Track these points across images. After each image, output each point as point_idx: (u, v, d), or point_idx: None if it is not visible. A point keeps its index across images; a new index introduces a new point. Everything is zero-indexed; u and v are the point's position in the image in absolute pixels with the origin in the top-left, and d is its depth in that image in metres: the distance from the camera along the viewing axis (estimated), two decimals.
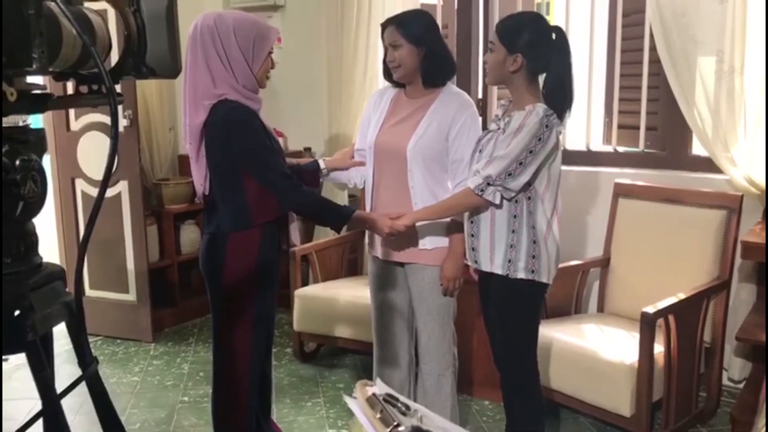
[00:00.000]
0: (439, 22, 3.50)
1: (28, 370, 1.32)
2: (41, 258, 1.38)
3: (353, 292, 3.42)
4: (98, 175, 3.85)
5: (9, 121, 1.28)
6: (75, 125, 3.94)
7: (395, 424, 1.08)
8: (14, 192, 1.24)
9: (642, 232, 3.11)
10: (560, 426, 2.94)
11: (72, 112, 3.91)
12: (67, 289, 1.45)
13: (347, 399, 1.17)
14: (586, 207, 3.50)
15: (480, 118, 2.58)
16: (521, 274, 2.17)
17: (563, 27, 2.29)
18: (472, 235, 2.25)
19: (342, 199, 3.86)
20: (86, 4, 1.37)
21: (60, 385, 1.39)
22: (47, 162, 3.90)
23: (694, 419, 2.87)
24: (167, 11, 1.40)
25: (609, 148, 3.67)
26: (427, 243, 2.38)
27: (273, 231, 2.21)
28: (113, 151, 1.23)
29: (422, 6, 3.85)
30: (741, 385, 3.11)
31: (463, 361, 2.87)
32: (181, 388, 3.40)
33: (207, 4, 4.32)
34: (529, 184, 2.13)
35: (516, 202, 2.15)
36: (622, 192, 3.24)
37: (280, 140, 3.84)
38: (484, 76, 2.45)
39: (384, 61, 2.39)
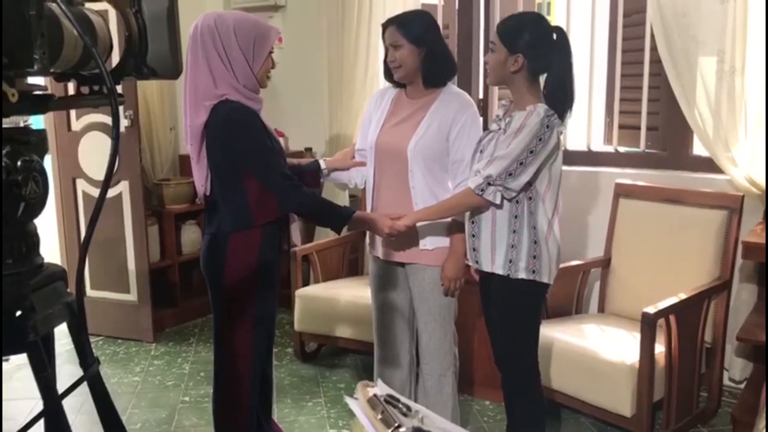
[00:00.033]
0: (439, 22, 3.50)
1: (29, 370, 1.32)
2: (42, 258, 1.39)
3: (354, 292, 3.42)
4: (99, 175, 3.85)
5: (10, 121, 1.28)
6: (76, 125, 3.95)
7: (396, 425, 1.08)
8: (16, 193, 1.25)
9: (643, 233, 3.11)
10: (561, 426, 2.94)
11: (73, 112, 3.92)
12: (69, 290, 1.45)
13: (348, 400, 1.17)
14: (587, 207, 3.50)
15: (481, 119, 2.58)
16: (522, 275, 2.17)
17: (564, 27, 2.29)
18: (473, 236, 2.25)
19: (343, 199, 3.86)
20: (87, 5, 1.37)
21: (61, 386, 1.39)
22: (48, 162, 3.90)
23: (695, 419, 2.87)
24: (168, 12, 1.40)
25: (610, 148, 3.67)
26: (428, 243, 2.38)
27: (274, 231, 2.22)
28: (114, 152, 1.23)
29: (423, 6, 3.85)
30: (742, 386, 3.11)
31: (464, 361, 2.87)
32: (182, 388, 3.40)
33: (208, 4, 4.33)
34: (530, 184, 2.13)
35: (517, 202, 2.15)
36: (623, 192, 3.24)
37: (281, 140, 3.85)
38: (485, 76, 2.45)
39: (385, 62, 2.39)
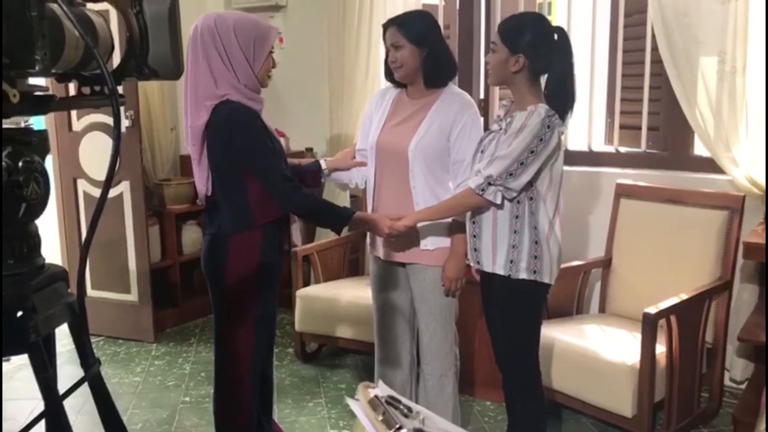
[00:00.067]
0: (440, 22, 3.50)
1: (30, 371, 1.32)
2: (44, 259, 1.39)
3: (355, 293, 3.42)
4: (100, 175, 3.86)
5: (11, 122, 1.28)
6: (77, 126, 3.95)
7: (397, 426, 1.08)
8: (17, 194, 1.25)
9: (644, 233, 3.11)
10: (562, 426, 2.94)
11: (74, 112, 3.92)
12: (70, 290, 1.45)
13: (350, 401, 1.17)
14: (588, 207, 3.50)
15: (481, 119, 2.57)
16: (523, 275, 2.16)
17: (565, 27, 2.29)
18: (474, 236, 2.25)
19: (343, 199, 3.86)
20: (88, 6, 1.37)
21: (62, 386, 1.39)
22: (49, 162, 3.90)
23: (696, 420, 2.87)
24: (169, 12, 1.40)
25: (611, 149, 3.67)
26: (428, 243, 2.38)
27: (274, 232, 2.22)
28: (116, 152, 1.23)
29: (424, 6, 3.85)
30: (743, 386, 3.11)
31: (465, 361, 2.87)
32: (183, 388, 3.40)
33: (209, 4, 4.33)
34: (531, 185, 2.13)
35: (518, 202, 2.15)
36: (623, 192, 3.24)
37: (282, 141, 3.85)
38: (486, 76, 2.45)
39: (386, 62, 2.39)
